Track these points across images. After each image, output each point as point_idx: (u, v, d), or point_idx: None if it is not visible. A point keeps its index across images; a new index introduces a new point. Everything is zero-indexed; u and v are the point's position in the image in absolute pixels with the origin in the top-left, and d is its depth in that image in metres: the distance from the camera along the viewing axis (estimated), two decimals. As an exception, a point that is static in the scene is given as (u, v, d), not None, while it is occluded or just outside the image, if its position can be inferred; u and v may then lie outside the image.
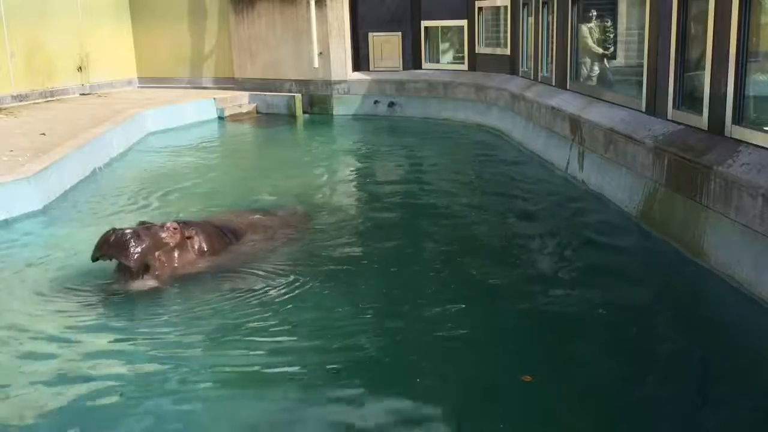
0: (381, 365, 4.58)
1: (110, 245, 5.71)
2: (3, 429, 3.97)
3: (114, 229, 5.82)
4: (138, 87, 19.83)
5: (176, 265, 6.07)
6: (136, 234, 5.80)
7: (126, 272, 5.86)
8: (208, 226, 6.60)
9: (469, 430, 3.90)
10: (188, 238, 6.23)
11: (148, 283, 5.83)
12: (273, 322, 5.21)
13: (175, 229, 6.14)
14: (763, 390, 4.30)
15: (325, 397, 4.21)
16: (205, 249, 6.34)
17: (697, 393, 4.35)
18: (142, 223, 6.21)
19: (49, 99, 16.90)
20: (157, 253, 5.93)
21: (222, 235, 6.58)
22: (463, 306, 5.52)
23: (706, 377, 4.54)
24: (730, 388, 4.34)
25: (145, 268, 5.88)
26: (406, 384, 4.33)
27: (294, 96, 17.33)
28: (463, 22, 16.01)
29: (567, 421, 3.99)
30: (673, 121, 7.43)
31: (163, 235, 6.04)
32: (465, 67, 16.14)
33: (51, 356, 4.75)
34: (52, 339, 5.00)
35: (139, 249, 5.73)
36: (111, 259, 5.79)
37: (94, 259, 5.80)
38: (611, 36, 10.58)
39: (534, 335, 5.04)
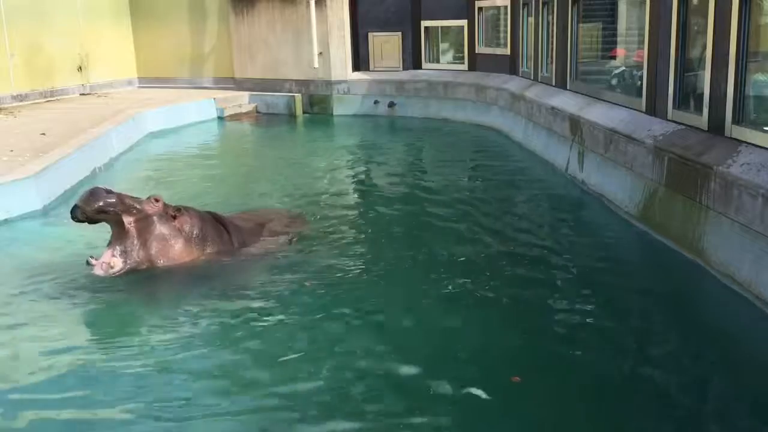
0: (371, 366, 4.57)
1: (81, 197, 5.87)
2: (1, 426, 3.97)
3: (93, 186, 6.03)
4: (138, 87, 19.83)
5: (151, 236, 6.01)
6: (108, 190, 5.94)
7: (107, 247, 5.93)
8: (205, 214, 6.56)
9: (457, 430, 3.90)
10: (174, 217, 6.19)
11: (117, 266, 5.85)
12: (257, 322, 5.23)
13: (156, 200, 6.14)
14: (763, 390, 4.30)
15: (315, 398, 4.20)
16: (195, 234, 6.27)
17: (696, 393, 4.35)
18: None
19: (49, 99, 16.90)
20: (129, 219, 5.91)
21: (220, 228, 6.53)
22: (458, 306, 5.52)
23: (704, 378, 4.54)
24: (729, 389, 4.34)
25: (118, 225, 5.91)
26: (397, 384, 4.33)
27: (294, 96, 17.34)
28: (463, 22, 16.01)
29: (557, 422, 3.99)
30: (673, 121, 7.43)
31: (144, 206, 6.04)
32: (465, 67, 16.14)
33: (49, 356, 4.75)
34: (51, 339, 5.00)
35: (102, 200, 5.81)
36: (86, 218, 5.84)
37: (73, 217, 5.89)
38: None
39: (530, 336, 5.03)
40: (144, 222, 6.00)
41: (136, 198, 6.16)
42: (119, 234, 5.96)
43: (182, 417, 4.04)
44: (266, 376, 4.47)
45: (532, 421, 4.00)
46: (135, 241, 5.95)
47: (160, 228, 6.08)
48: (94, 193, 5.87)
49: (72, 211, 5.90)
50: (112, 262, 5.86)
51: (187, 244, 6.20)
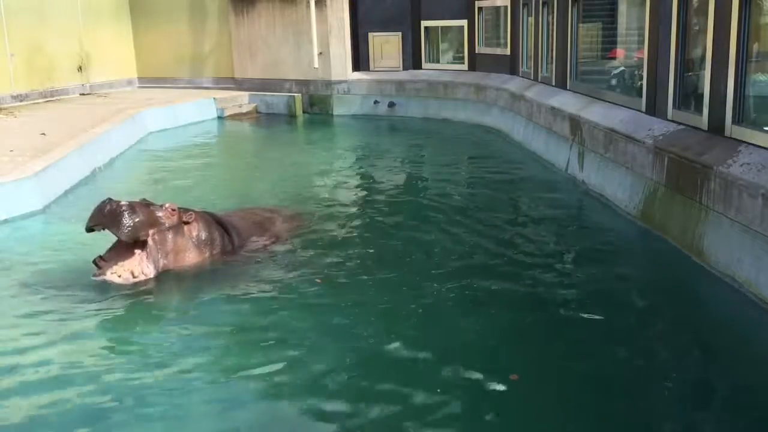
0: (372, 365, 4.57)
1: (104, 215, 5.69)
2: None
3: (110, 199, 5.79)
4: (138, 87, 19.84)
5: (169, 248, 6.03)
6: (131, 207, 5.78)
7: (117, 252, 5.85)
8: (209, 217, 6.56)
9: (453, 427, 3.91)
10: (186, 223, 6.19)
11: (136, 275, 5.81)
12: (265, 323, 5.23)
13: (173, 210, 6.11)
14: (763, 390, 4.30)
15: (317, 398, 4.20)
16: (203, 238, 6.30)
17: (695, 391, 4.35)
18: (143, 200, 6.19)
19: (49, 99, 16.91)
20: (151, 232, 5.88)
21: (222, 230, 6.54)
22: (457, 304, 5.53)
23: (704, 377, 4.54)
24: (729, 389, 4.34)
25: (137, 243, 5.83)
26: (396, 383, 4.33)
27: (294, 96, 17.35)
28: (463, 22, 16.01)
29: (556, 420, 3.99)
30: (673, 121, 7.44)
31: (160, 214, 6.01)
32: (465, 67, 16.15)
33: (49, 357, 4.74)
34: (51, 339, 4.99)
35: (132, 222, 5.69)
36: (103, 229, 5.75)
37: (88, 229, 5.78)
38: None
39: (529, 334, 5.04)
40: (163, 233, 6.00)
41: (153, 206, 6.07)
42: (136, 242, 5.86)
43: (191, 413, 4.05)
44: (272, 374, 4.47)
45: (531, 419, 4.01)
46: (155, 251, 5.93)
47: (177, 237, 6.11)
48: (117, 214, 5.67)
49: (90, 228, 5.77)
50: (136, 271, 5.82)
51: (197, 249, 6.25)
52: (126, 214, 5.70)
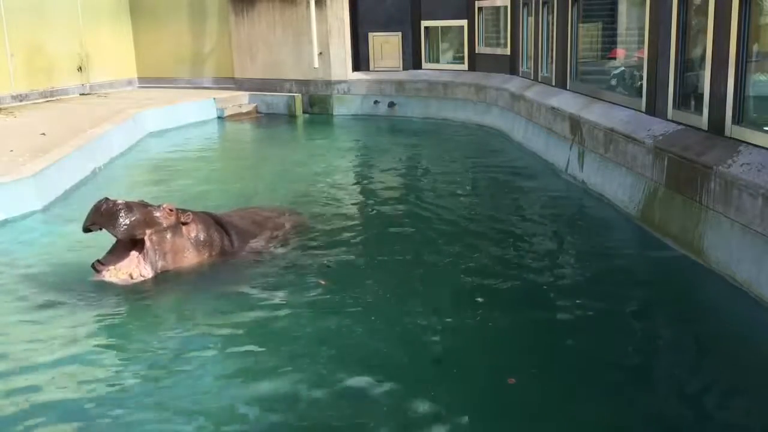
0: (371, 367, 4.56)
1: (100, 214, 5.68)
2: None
3: (106, 199, 5.78)
4: (138, 87, 19.83)
5: (167, 249, 6.02)
6: (128, 206, 5.77)
7: (115, 255, 5.85)
8: (207, 217, 6.54)
9: (451, 429, 3.91)
10: (184, 223, 6.18)
11: (134, 277, 5.81)
12: (265, 325, 5.23)
13: (170, 210, 6.09)
14: (764, 390, 4.30)
15: (317, 399, 4.20)
16: (202, 239, 6.28)
17: (694, 393, 4.35)
18: (141, 201, 6.16)
19: (49, 99, 16.90)
20: (148, 232, 5.87)
21: (221, 230, 6.53)
22: (458, 306, 5.52)
23: (704, 377, 4.54)
24: (728, 388, 4.34)
25: (135, 245, 5.83)
26: (394, 384, 4.33)
27: (294, 96, 17.35)
28: (463, 22, 16.01)
29: (553, 423, 3.98)
30: (673, 121, 7.43)
31: (157, 214, 5.99)
32: (465, 67, 16.15)
33: (46, 357, 4.73)
34: (48, 340, 4.99)
35: (128, 220, 5.69)
36: (101, 229, 5.74)
37: (85, 229, 5.77)
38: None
39: (526, 337, 5.03)
40: (160, 233, 5.99)
41: (151, 207, 6.05)
42: (134, 244, 5.87)
43: (189, 414, 4.05)
44: (272, 376, 4.47)
45: (528, 422, 4.00)
46: (153, 252, 5.92)
47: (175, 238, 6.09)
48: (114, 212, 5.66)
49: (87, 229, 5.75)
50: (134, 273, 5.82)
51: (195, 250, 6.24)
52: (122, 213, 5.69)
